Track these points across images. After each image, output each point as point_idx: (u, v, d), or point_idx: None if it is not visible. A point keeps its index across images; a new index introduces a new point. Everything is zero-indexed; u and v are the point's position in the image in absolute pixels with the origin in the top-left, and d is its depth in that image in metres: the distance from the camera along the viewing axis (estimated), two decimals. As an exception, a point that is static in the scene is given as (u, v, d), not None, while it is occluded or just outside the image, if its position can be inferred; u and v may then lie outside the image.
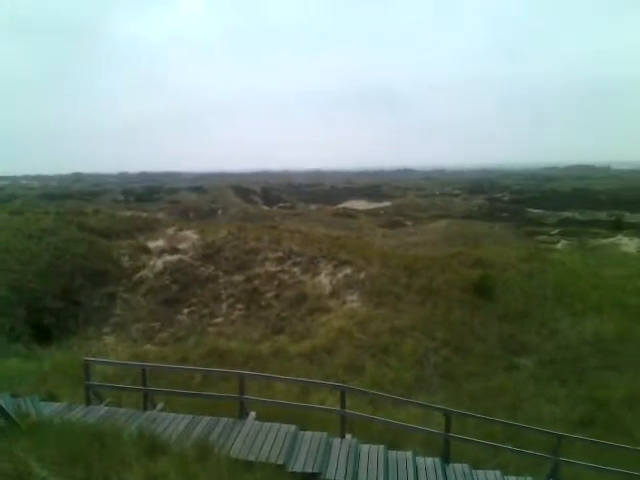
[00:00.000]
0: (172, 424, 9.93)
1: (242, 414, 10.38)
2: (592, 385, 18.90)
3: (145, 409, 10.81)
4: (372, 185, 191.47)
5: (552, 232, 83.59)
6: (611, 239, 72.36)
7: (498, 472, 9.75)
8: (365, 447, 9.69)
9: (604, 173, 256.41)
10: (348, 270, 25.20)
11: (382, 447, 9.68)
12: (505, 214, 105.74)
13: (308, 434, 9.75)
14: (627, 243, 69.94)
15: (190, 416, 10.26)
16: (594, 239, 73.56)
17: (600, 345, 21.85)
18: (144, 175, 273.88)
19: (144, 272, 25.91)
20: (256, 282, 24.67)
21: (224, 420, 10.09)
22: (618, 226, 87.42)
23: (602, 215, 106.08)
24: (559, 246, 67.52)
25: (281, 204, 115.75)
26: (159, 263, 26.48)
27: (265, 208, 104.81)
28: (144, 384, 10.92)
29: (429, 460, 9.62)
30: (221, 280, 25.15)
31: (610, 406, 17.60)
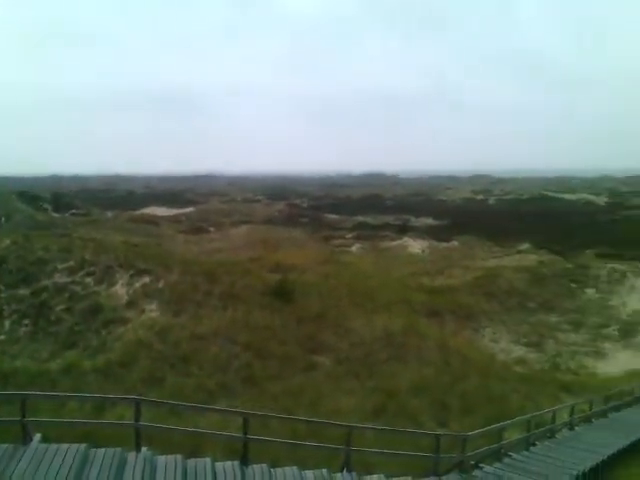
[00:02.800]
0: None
1: (26, 438, 9.50)
2: (382, 377, 20.37)
3: None
4: (174, 191, 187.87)
5: (347, 236, 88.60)
6: (399, 241, 78.79)
7: (295, 468, 10.02)
8: (162, 458, 9.38)
9: (393, 181, 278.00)
10: (146, 279, 24.35)
11: (179, 457, 9.44)
12: (304, 219, 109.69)
13: (100, 451, 9.18)
14: (412, 245, 76.66)
15: (-40, 447, 9.10)
16: (384, 242, 79.47)
17: (389, 340, 23.63)
18: None
19: None
20: (44, 295, 22.83)
21: (3, 447, 9.13)
22: (405, 229, 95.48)
23: (391, 219, 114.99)
24: (354, 249, 71.89)
25: (74, 211, 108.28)
26: None
27: (56, 215, 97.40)
28: None
29: (228, 464, 9.59)
30: (3, 294, 22.89)
31: (398, 395, 19.10)
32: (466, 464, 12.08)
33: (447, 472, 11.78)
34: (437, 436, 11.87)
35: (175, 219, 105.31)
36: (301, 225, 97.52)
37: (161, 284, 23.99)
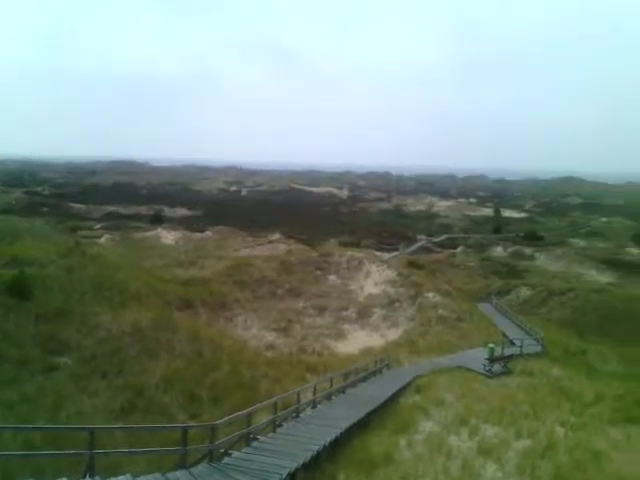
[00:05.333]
0: None
1: None
2: (131, 373, 19.68)
3: None
4: None
5: (96, 226, 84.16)
6: (152, 232, 77.08)
7: None
8: None
9: (147, 169, 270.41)
10: None
11: None
12: (46, 209, 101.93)
13: None
14: (166, 235, 75.56)
15: None
16: (137, 232, 77.11)
17: (139, 334, 22.90)
18: None
19: None
20: None
21: None
22: (158, 219, 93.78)
23: (144, 209, 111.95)
24: (102, 240, 68.45)
25: None
26: None
27: None
28: None
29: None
30: None
31: (149, 391, 18.65)
32: (216, 453, 12.20)
33: (196, 463, 11.79)
34: (184, 428, 11.81)
35: None
36: (42, 215, 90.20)
37: None
